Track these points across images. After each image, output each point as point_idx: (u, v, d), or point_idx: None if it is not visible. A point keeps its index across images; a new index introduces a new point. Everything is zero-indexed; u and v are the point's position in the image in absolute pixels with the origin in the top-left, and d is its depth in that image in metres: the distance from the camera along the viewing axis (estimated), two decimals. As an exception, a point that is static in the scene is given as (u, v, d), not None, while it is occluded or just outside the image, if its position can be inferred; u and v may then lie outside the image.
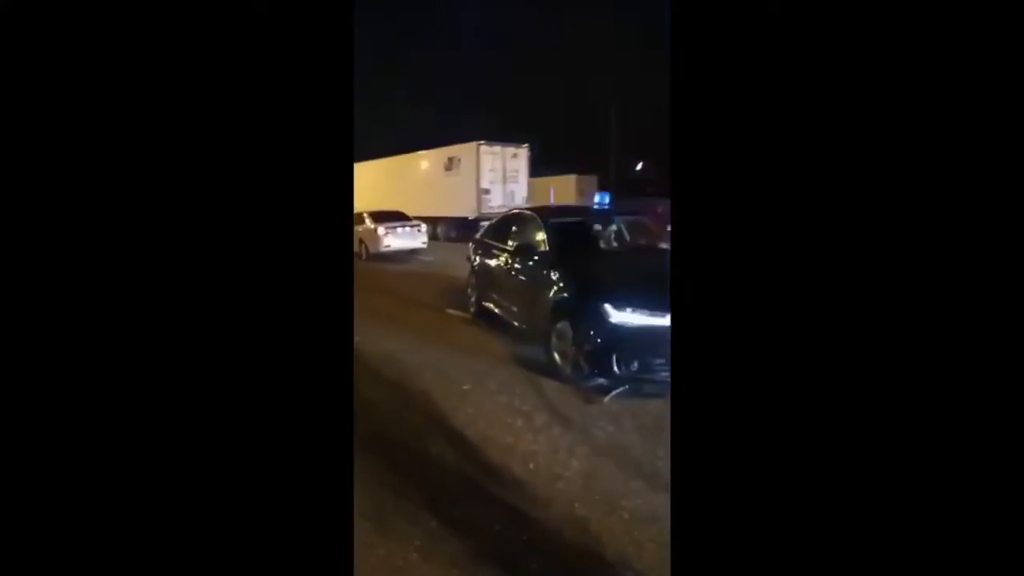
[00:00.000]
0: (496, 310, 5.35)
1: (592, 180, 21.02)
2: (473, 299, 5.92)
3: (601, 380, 3.63)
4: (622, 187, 19.89)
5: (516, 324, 4.91)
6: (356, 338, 4.93)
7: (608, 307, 3.55)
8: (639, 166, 26.55)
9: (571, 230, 4.87)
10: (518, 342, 4.81)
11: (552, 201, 16.77)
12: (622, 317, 3.51)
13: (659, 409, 3.35)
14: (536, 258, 4.61)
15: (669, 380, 3.27)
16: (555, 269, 4.27)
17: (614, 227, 5.22)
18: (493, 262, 5.43)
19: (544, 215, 5.06)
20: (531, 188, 15.70)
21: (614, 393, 3.55)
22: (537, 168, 16.35)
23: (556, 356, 4.01)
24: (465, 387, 3.83)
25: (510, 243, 5.22)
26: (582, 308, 3.77)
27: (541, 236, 4.74)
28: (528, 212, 5.51)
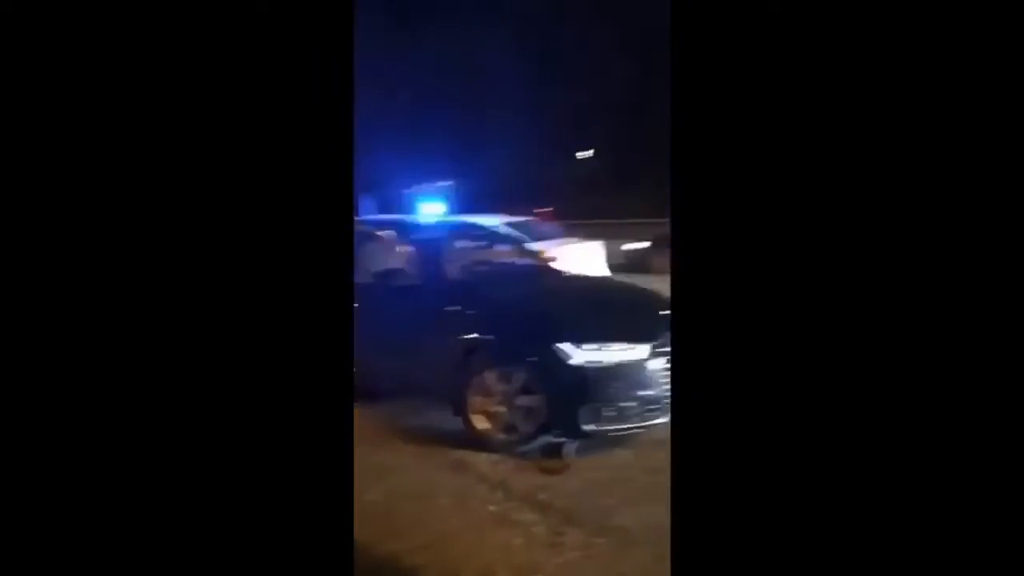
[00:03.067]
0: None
1: None
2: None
3: (546, 440, 2.81)
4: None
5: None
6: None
7: (566, 347, 2.73)
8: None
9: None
10: (395, 408, 3.55)
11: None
12: (585, 356, 2.72)
13: (625, 460, 2.75)
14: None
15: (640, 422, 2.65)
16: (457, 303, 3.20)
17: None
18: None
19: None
20: None
21: (569, 452, 2.83)
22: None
23: (475, 419, 2.98)
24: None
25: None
26: (523, 351, 2.87)
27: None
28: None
